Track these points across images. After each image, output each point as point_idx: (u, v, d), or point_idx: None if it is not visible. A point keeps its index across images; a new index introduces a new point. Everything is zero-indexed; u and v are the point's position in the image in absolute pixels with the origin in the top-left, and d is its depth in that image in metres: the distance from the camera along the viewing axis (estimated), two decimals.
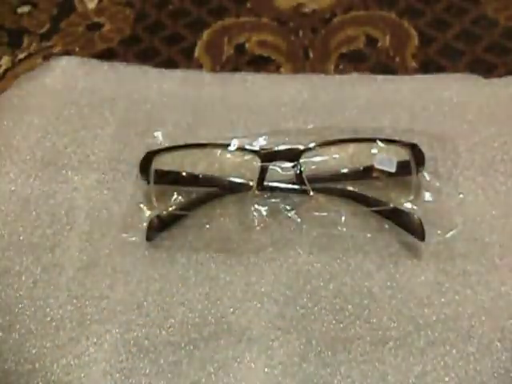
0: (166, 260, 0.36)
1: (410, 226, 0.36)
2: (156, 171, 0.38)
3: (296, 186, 0.37)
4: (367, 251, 0.35)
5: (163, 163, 0.38)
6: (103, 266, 0.35)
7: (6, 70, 0.52)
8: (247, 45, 0.50)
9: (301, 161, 0.36)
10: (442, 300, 0.34)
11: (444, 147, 0.39)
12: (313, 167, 0.37)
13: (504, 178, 0.38)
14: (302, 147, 0.36)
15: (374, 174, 0.37)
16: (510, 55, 0.47)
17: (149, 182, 0.38)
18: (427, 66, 0.47)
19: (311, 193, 0.36)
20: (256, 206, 0.37)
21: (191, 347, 0.32)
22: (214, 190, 0.39)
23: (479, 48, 0.48)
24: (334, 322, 0.33)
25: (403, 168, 0.37)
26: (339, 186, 0.38)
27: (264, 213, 0.37)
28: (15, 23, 0.55)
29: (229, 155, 0.38)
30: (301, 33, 0.50)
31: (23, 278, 0.35)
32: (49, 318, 0.34)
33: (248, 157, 0.37)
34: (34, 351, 0.33)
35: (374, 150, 0.37)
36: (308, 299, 0.34)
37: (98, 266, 0.35)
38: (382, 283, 0.34)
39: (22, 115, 0.43)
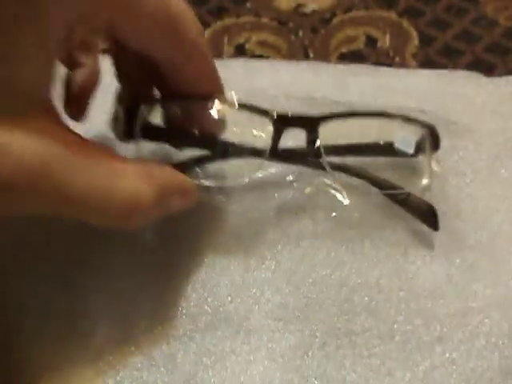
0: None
1: (423, 214, 0.33)
2: (142, 125, 0.32)
3: (311, 159, 0.33)
4: (375, 239, 0.32)
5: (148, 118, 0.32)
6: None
7: None
8: (247, 45, 0.47)
9: (319, 129, 0.31)
10: (452, 293, 0.31)
11: (452, 137, 0.36)
12: (328, 139, 0.32)
13: (509, 173, 0.36)
14: (319, 115, 0.31)
15: (391, 153, 0.34)
16: (510, 55, 0.45)
17: (130, 138, 0.32)
18: (427, 66, 0.45)
19: (327, 168, 0.32)
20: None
21: (186, 339, 0.29)
22: (213, 153, 0.34)
23: (479, 48, 0.46)
24: (339, 313, 0.30)
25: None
26: (351, 161, 0.35)
27: None
28: None
29: (231, 113, 0.32)
30: (301, 33, 0.48)
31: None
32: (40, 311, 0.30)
33: (254, 119, 0.31)
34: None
35: (392, 128, 0.33)
36: (312, 288, 0.31)
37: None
38: (390, 273, 0.31)
39: None
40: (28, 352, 0.29)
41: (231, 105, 0.31)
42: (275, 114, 0.31)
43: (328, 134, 0.31)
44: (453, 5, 0.48)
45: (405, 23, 0.47)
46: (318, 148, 0.32)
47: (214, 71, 0.31)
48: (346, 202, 0.33)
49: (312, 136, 0.31)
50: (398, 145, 0.33)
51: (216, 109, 0.31)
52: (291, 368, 0.28)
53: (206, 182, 0.32)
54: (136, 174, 0.25)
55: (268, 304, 0.30)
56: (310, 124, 0.31)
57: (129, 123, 0.31)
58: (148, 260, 0.32)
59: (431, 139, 0.34)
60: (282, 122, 0.31)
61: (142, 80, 0.32)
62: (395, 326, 0.30)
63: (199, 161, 0.35)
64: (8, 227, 0.32)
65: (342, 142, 0.34)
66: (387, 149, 0.34)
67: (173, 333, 0.29)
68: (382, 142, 0.34)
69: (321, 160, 0.32)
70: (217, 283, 0.31)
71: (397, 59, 0.45)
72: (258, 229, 0.33)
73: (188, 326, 0.30)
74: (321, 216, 0.33)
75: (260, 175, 0.33)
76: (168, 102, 0.32)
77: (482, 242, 0.33)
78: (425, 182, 0.33)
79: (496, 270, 0.32)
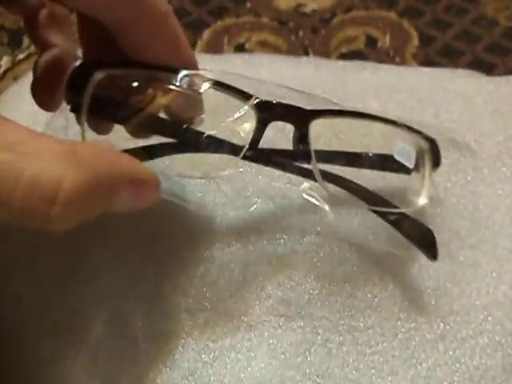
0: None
1: (419, 239, 0.29)
2: (93, 97, 0.25)
3: (299, 164, 0.28)
4: (378, 235, 0.31)
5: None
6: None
7: (6, 70, 0.49)
8: (247, 45, 0.47)
9: (310, 127, 0.26)
10: (455, 291, 0.30)
11: (453, 135, 0.35)
12: (318, 140, 0.27)
13: (510, 171, 0.35)
14: (312, 108, 0.26)
15: (387, 167, 0.31)
16: (510, 55, 0.45)
17: (77, 109, 0.25)
18: (427, 66, 0.44)
19: (318, 177, 0.27)
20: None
21: (184, 335, 0.28)
22: (178, 143, 0.29)
23: (479, 48, 0.45)
24: (341, 309, 0.29)
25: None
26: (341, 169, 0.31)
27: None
28: (15, 23, 0.51)
29: (204, 94, 0.26)
30: (301, 33, 0.47)
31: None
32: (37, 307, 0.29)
33: (233, 105, 0.26)
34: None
35: (390, 136, 0.30)
36: (314, 284, 0.30)
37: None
38: (394, 270, 0.30)
39: (22, 115, 0.39)
40: (25, 348, 0.28)
41: (204, 81, 0.25)
42: (257, 100, 0.26)
43: (318, 135, 0.27)
44: (453, 5, 0.48)
45: (405, 23, 0.47)
46: (308, 150, 0.26)
47: (177, 38, 0.25)
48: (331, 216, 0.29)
49: (301, 133, 0.26)
50: (397, 157, 0.29)
51: (185, 86, 0.26)
52: (293, 365, 0.27)
53: (172, 174, 0.27)
54: (57, 155, 0.18)
55: (269, 300, 0.29)
56: (301, 118, 0.26)
57: (77, 93, 0.25)
58: (144, 255, 0.31)
59: (432, 154, 0.30)
60: (266, 112, 0.26)
61: (103, 52, 0.27)
62: (398, 323, 0.29)
63: (162, 148, 0.29)
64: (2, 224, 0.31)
65: (333, 145, 0.30)
66: (384, 161, 0.30)
67: (171, 329, 0.28)
68: (378, 154, 0.31)
69: (310, 166, 0.27)
70: (216, 278, 0.30)
71: (397, 59, 0.45)
72: (258, 223, 0.32)
73: (186, 322, 0.29)
74: (323, 212, 0.31)
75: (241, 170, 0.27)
76: (129, 71, 0.26)
77: (484, 240, 0.32)
78: (422, 201, 0.30)
79: (499, 269, 0.31)
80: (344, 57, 0.45)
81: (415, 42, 0.46)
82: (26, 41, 0.51)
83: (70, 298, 0.29)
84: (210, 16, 0.49)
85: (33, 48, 0.50)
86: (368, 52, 0.45)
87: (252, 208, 0.31)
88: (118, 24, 0.24)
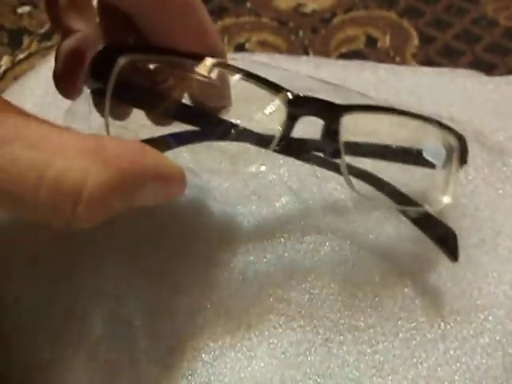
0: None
1: (441, 239, 0.29)
2: (118, 81, 0.24)
3: (326, 157, 0.26)
4: (379, 235, 0.31)
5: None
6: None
7: (6, 70, 0.49)
8: (247, 45, 0.47)
9: (342, 121, 0.25)
10: (456, 290, 0.30)
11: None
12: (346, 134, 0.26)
13: (510, 171, 0.35)
14: (343, 103, 0.25)
15: (414, 162, 0.29)
16: (510, 55, 0.45)
17: (99, 94, 0.25)
18: (427, 66, 0.44)
19: (344, 172, 0.26)
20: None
21: (184, 335, 0.28)
22: (205, 132, 0.28)
23: (479, 48, 0.45)
24: (342, 308, 0.29)
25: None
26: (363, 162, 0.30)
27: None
28: (15, 23, 0.51)
29: (232, 84, 0.26)
30: (301, 33, 0.47)
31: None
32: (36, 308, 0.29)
33: (260, 96, 0.25)
34: None
35: (421, 132, 0.28)
36: (315, 283, 0.29)
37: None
38: (395, 269, 0.30)
39: None
40: (25, 348, 0.28)
41: (234, 71, 0.25)
42: (288, 94, 0.25)
43: (347, 129, 0.26)
44: (453, 5, 0.48)
45: (405, 23, 0.47)
46: (338, 146, 0.25)
47: (202, 24, 0.25)
48: (353, 209, 0.30)
49: (332, 129, 0.25)
50: (426, 155, 0.28)
51: (214, 75, 0.25)
52: (293, 364, 0.27)
53: (193, 166, 0.26)
54: (81, 151, 0.19)
55: (269, 299, 0.29)
56: (332, 113, 0.25)
57: (101, 78, 0.24)
58: (144, 255, 0.31)
59: (460, 152, 0.29)
60: (297, 106, 0.25)
61: (125, 38, 0.26)
62: (399, 323, 0.29)
63: (184, 137, 0.28)
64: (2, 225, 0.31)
65: (361, 139, 0.29)
66: (410, 155, 0.29)
67: (171, 329, 0.28)
68: (404, 147, 0.29)
69: (338, 161, 0.26)
70: (216, 277, 0.30)
71: (397, 59, 0.45)
72: (258, 223, 0.31)
73: (186, 322, 0.28)
74: (324, 212, 0.32)
75: (263, 168, 0.26)
76: (154, 57, 0.25)
77: (486, 240, 0.32)
78: (447, 200, 0.29)
79: (499, 269, 0.31)
80: (344, 57, 0.45)
81: (415, 41, 0.46)
82: (26, 41, 0.51)
83: (70, 297, 0.29)
84: (210, 16, 0.48)
85: (33, 48, 0.50)
86: (368, 52, 0.45)
87: (253, 207, 0.31)
88: (139, 10, 0.24)
